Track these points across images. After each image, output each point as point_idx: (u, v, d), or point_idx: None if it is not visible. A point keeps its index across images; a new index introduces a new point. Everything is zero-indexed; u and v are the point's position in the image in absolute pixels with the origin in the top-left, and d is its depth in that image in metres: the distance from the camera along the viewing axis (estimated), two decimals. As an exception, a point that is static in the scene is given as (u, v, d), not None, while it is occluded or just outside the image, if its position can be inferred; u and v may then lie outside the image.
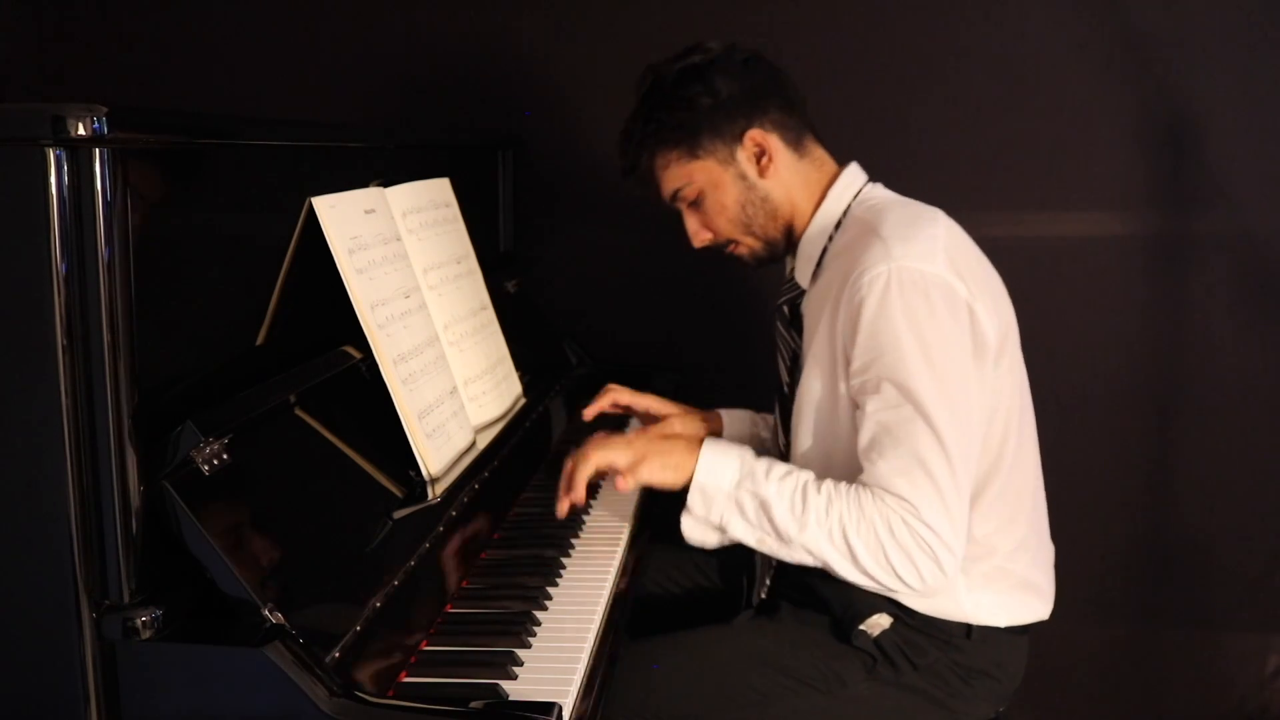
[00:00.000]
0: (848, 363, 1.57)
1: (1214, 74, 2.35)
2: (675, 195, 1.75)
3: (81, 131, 1.03)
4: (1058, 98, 2.40)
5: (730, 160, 1.70)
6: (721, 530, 1.59)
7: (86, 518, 1.10)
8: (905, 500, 1.50)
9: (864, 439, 1.54)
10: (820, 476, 1.63)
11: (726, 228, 1.74)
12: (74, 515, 1.09)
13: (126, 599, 1.11)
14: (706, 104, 1.67)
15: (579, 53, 2.55)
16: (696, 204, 1.74)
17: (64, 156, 1.04)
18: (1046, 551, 1.74)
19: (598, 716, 1.31)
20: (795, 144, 1.72)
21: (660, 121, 1.70)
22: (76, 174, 1.05)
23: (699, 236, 1.78)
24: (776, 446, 1.80)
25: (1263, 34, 2.34)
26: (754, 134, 1.69)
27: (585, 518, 1.77)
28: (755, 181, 1.71)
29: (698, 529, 1.60)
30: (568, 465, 1.66)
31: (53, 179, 1.04)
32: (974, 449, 1.55)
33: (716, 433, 1.96)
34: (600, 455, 1.63)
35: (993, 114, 2.42)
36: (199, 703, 1.13)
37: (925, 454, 1.49)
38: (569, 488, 1.65)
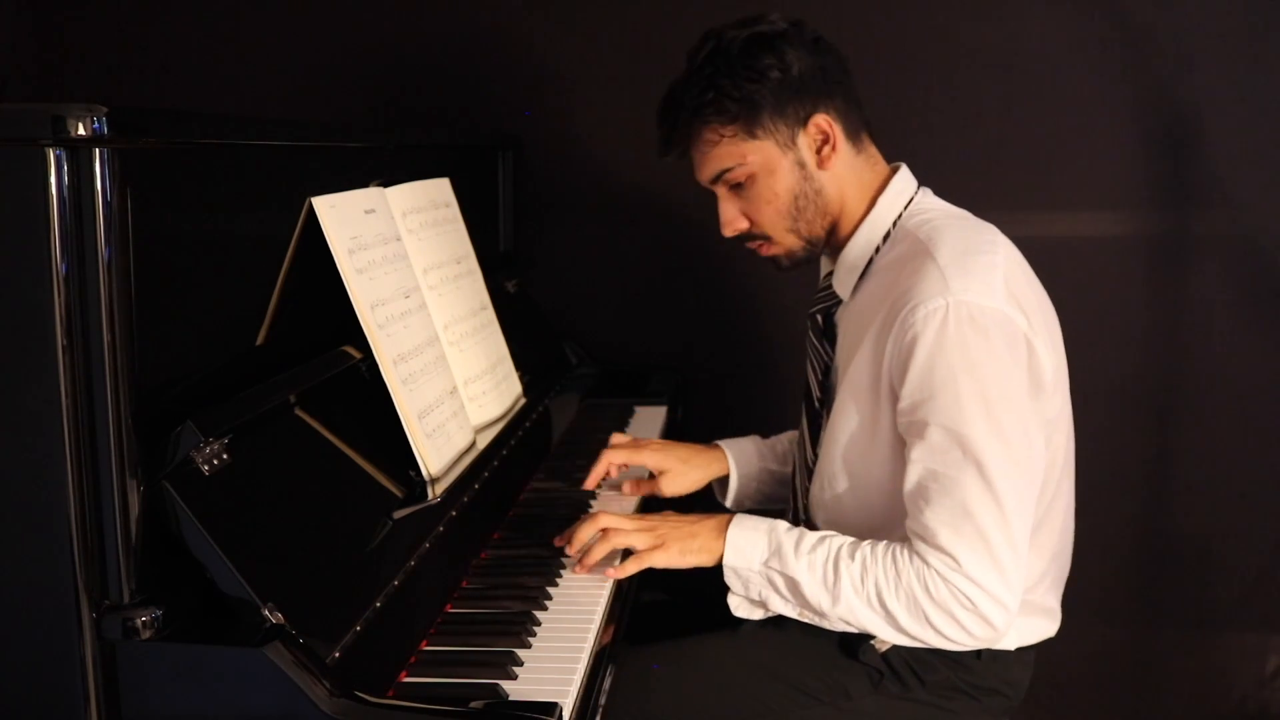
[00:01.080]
0: (894, 398, 1.51)
1: (1214, 74, 2.35)
2: (719, 176, 1.60)
3: (81, 131, 1.03)
4: (1058, 98, 2.40)
5: (790, 145, 1.57)
6: (764, 606, 1.57)
7: (86, 518, 1.10)
8: (946, 554, 1.44)
9: (909, 484, 1.49)
10: (851, 508, 1.61)
11: (771, 219, 1.61)
12: (74, 515, 1.09)
13: (126, 599, 1.11)
14: (776, 78, 1.53)
15: (579, 52, 2.55)
16: (741, 188, 1.60)
17: (64, 156, 1.04)
18: (1064, 576, 1.70)
19: (598, 718, 1.31)
20: (854, 138, 1.61)
21: (721, 90, 1.54)
22: (76, 174, 1.05)
23: (734, 225, 1.63)
24: (804, 460, 1.76)
25: (1263, 34, 2.34)
26: (820, 119, 1.56)
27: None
28: (813, 172, 1.58)
29: (744, 606, 1.59)
30: (582, 532, 1.60)
31: (53, 179, 1.04)
32: (1033, 493, 1.49)
33: (723, 475, 1.92)
34: (619, 538, 1.58)
35: (993, 114, 2.42)
36: (199, 703, 1.13)
37: (974, 504, 1.43)
38: (580, 558, 1.59)
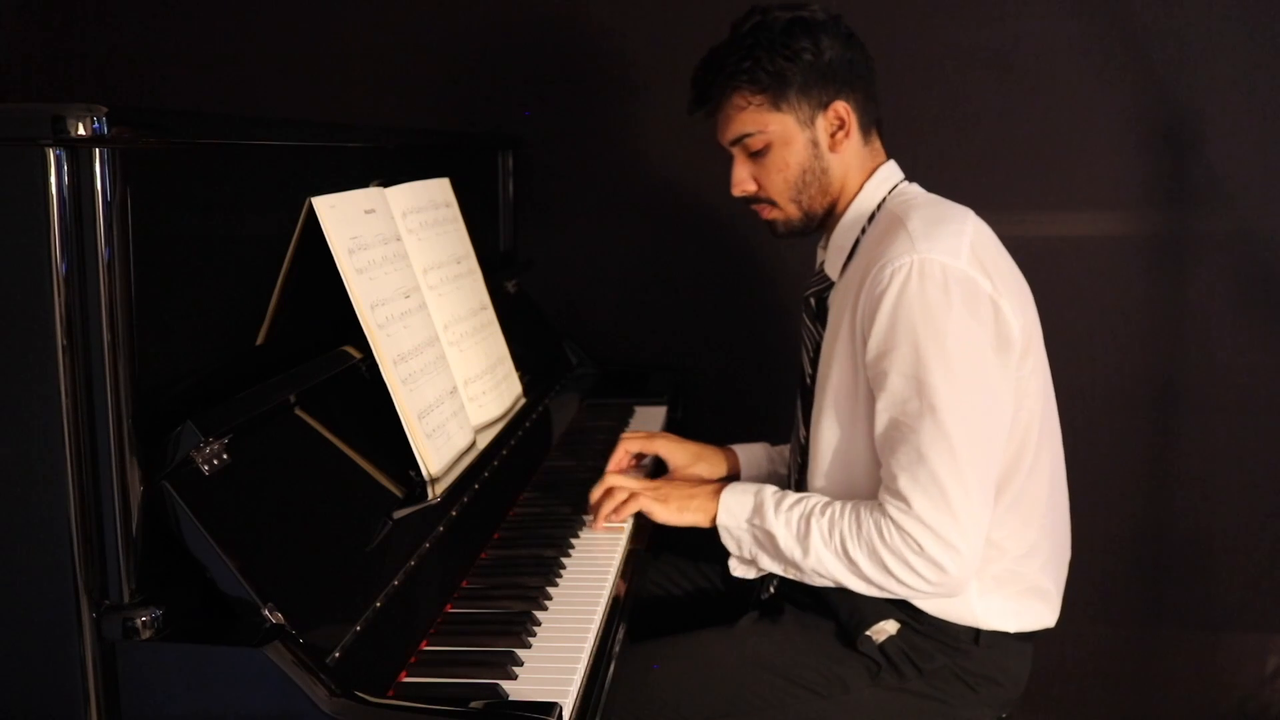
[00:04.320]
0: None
1: (1214, 73, 2.35)
2: (739, 139, 1.71)
3: (81, 131, 1.03)
4: (1058, 98, 2.40)
5: (809, 124, 1.68)
6: (755, 564, 1.66)
7: (86, 518, 1.10)
8: (901, 498, 1.51)
9: (877, 435, 1.57)
10: (839, 473, 1.67)
11: (779, 187, 1.71)
12: (74, 515, 1.09)
13: (126, 599, 1.11)
14: (808, 60, 1.65)
15: (579, 52, 2.55)
16: (758, 155, 1.70)
17: (64, 156, 1.04)
18: (1060, 559, 1.72)
19: (598, 717, 1.31)
20: (865, 129, 1.72)
21: (758, 61, 1.65)
22: (76, 174, 1.05)
23: (742, 186, 1.74)
24: (798, 438, 1.79)
25: (1263, 33, 2.34)
26: (840, 106, 1.68)
27: (585, 518, 1.78)
28: (824, 152, 1.69)
29: (741, 567, 1.69)
30: (595, 491, 1.75)
31: (53, 179, 1.04)
32: (993, 446, 1.55)
33: (734, 472, 1.97)
34: (624, 493, 1.72)
35: (993, 114, 2.42)
36: (199, 703, 1.13)
37: (928, 450, 1.50)
38: (596, 514, 1.74)
